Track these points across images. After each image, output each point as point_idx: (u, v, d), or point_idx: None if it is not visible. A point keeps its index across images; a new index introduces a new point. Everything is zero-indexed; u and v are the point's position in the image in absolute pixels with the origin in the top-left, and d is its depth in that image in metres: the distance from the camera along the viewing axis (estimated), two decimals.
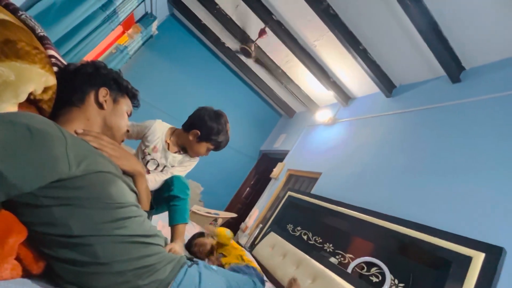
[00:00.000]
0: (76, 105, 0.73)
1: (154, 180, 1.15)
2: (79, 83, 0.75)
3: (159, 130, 1.26)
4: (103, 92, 0.76)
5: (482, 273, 1.17)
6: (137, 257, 0.62)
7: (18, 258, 0.54)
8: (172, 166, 1.24)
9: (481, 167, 1.55)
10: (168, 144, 1.25)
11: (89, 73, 0.77)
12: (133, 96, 0.89)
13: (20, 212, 0.53)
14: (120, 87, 0.82)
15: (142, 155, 1.24)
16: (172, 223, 1.14)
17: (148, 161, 1.22)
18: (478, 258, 1.21)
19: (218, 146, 1.25)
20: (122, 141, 0.86)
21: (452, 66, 2.03)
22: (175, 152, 1.25)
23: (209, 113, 1.23)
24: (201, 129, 1.20)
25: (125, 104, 0.84)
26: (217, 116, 1.23)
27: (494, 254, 1.19)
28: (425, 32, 1.85)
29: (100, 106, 0.76)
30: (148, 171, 1.22)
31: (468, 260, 1.24)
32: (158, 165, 1.23)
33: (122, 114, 0.82)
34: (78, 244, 0.56)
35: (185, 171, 1.29)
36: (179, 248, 1.00)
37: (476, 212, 1.43)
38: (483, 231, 1.33)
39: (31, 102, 0.61)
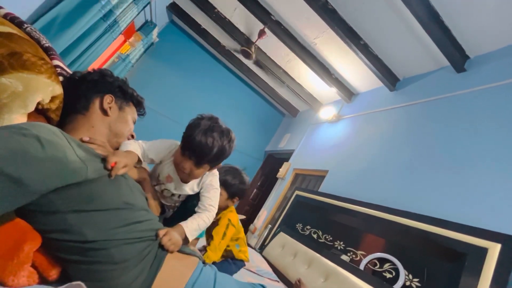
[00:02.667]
0: (81, 112, 0.73)
1: (198, 227, 0.89)
2: (84, 90, 0.75)
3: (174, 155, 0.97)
4: (108, 99, 0.76)
5: (499, 264, 1.14)
6: (151, 249, 0.63)
7: (33, 265, 0.55)
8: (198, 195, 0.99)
9: (492, 155, 1.52)
10: None
11: (94, 80, 0.77)
12: (138, 104, 0.88)
13: (34, 220, 0.54)
14: (125, 94, 0.82)
15: (156, 182, 1.02)
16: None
17: (163, 190, 1.01)
18: (494, 249, 1.19)
19: (187, 144, 0.86)
20: None
21: (456, 55, 2.00)
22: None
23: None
24: None
25: (130, 111, 0.84)
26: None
27: (510, 244, 1.16)
28: (426, 22, 1.83)
29: (105, 112, 0.76)
30: (164, 198, 1.02)
31: (483, 251, 1.21)
32: (173, 194, 1.01)
33: (126, 122, 0.82)
34: (93, 248, 0.57)
35: (214, 195, 0.99)
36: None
37: (488, 202, 1.40)
38: (497, 221, 1.30)
39: (40, 112, 0.62)
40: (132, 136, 0.86)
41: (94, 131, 0.73)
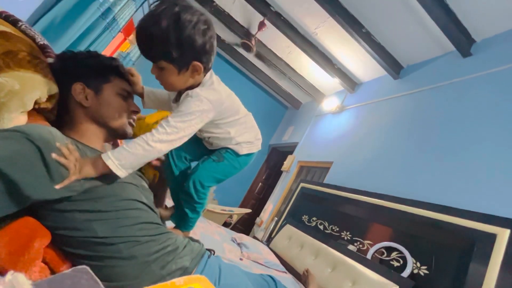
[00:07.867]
0: (65, 112, 0.67)
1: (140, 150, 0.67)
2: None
3: None
4: (77, 88, 0.65)
5: (508, 250, 1.13)
6: (159, 248, 0.63)
7: (44, 261, 0.56)
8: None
9: (499, 141, 1.49)
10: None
11: (57, 70, 0.66)
12: (123, 74, 0.73)
13: (43, 217, 0.55)
14: (99, 71, 0.69)
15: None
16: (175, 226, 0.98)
17: None
18: (503, 235, 1.17)
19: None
20: (133, 125, 0.76)
21: (462, 39, 1.94)
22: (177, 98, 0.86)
23: None
24: None
25: (115, 86, 0.70)
26: None
27: None
28: (430, 6, 1.77)
29: (81, 105, 0.66)
30: None
31: (492, 237, 1.20)
32: None
33: (110, 102, 0.69)
34: (103, 243, 0.57)
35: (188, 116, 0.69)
36: None
37: (496, 188, 1.37)
38: (506, 207, 1.28)
39: (37, 111, 0.62)
40: (136, 112, 0.75)
41: (84, 129, 0.68)
